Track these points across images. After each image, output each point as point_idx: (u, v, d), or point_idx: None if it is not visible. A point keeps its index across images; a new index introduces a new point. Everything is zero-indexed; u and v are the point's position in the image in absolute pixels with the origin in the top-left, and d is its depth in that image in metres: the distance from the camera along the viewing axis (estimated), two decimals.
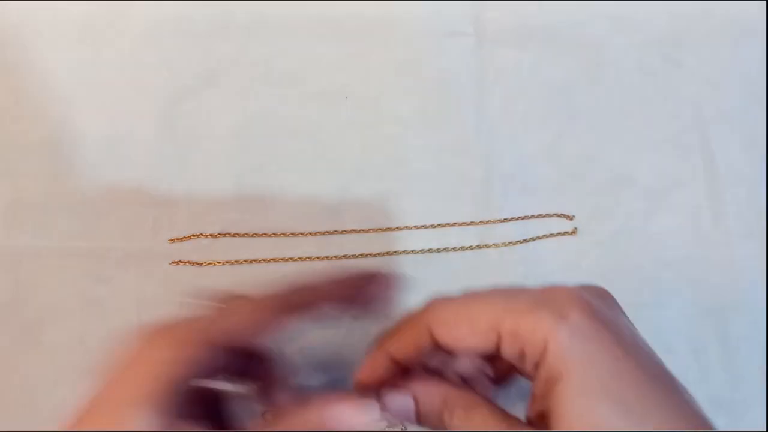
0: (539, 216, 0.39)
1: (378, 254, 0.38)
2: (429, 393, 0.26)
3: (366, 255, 0.38)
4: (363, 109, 0.39)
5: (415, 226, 0.39)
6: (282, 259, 0.38)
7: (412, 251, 0.38)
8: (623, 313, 0.25)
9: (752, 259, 0.35)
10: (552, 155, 0.39)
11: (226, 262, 0.38)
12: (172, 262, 0.37)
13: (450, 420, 0.26)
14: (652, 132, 0.41)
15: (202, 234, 0.38)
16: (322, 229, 0.38)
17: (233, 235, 0.38)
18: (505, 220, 0.39)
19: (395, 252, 0.38)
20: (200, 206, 0.38)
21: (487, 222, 0.39)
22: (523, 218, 0.39)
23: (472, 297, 0.26)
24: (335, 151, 0.39)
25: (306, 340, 0.38)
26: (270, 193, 0.38)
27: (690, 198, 0.40)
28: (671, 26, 0.41)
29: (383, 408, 0.26)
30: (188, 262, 0.38)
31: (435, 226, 0.39)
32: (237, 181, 0.38)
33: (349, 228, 0.38)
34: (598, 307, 0.23)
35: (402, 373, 0.27)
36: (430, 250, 0.39)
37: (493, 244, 0.39)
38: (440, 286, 0.38)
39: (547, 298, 0.24)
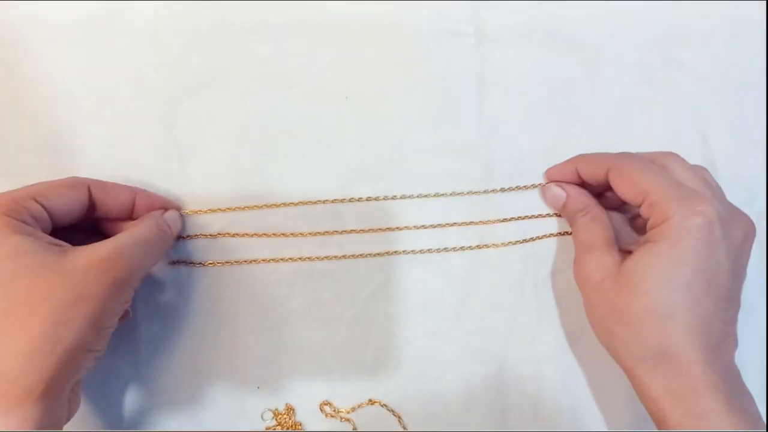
0: (539, 216, 0.39)
1: (378, 254, 0.38)
2: (581, 197, 0.37)
3: (366, 255, 0.38)
4: (363, 109, 0.39)
5: (415, 226, 0.39)
6: (282, 259, 0.38)
7: (412, 251, 0.38)
8: (741, 243, 0.33)
9: (752, 259, 0.35)
10: (552, 155, 0.39)
11: (226, 262, 0.38)
12: (172, 262, 0.38)
13: (579, 219, 0.37)
14: (652, 132, 0.41)
15: (202, 234, 0.38)
16: (322, 229, 0.38)
17: (233, 235, 0.38)
18: (505, 220, 0.39)
19: (395, 252, 0.38)
20: (200, 206, 0.38)
21: (487, 222, 0.39)
22: (523, 218, 0.39)
23: (647, 167, 0.34)
24: (335, 151, 0.39)
25: (304, 340, 0.38)
26: (270, 193, 0.38)
27: None
28: (671, 26, 0.41)
29: (544, 193, 0.39)
30: (188, 262, 0.38)
31: (435, 226, 0.39)
32: (237, 181, 0.38)
33: (349, 228, 0.38)
34: (719, 231, 0.32)
35: (578, 185, 0.38)
36: (429, 250, 0.39)
37: (493, 244, 0.39)
38: (440, 286, 0.38)
39: (695, 199, 0.32)
